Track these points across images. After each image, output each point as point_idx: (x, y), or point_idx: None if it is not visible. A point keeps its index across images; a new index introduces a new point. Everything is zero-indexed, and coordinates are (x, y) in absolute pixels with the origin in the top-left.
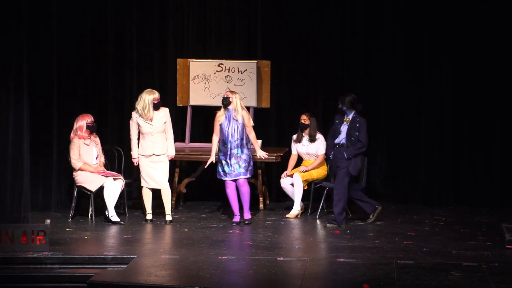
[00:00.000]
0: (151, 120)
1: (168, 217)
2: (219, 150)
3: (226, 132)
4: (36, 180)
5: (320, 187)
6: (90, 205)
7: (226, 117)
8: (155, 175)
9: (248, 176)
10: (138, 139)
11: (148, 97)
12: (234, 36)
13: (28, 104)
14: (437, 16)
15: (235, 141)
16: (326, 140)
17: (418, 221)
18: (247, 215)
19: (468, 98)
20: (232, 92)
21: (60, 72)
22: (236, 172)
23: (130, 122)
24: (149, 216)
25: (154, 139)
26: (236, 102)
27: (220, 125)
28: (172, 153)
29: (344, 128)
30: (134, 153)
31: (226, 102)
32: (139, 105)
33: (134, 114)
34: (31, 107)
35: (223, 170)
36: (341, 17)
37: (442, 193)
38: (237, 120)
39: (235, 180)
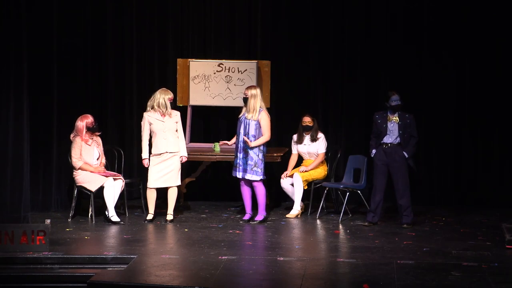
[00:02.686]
0: (163, 116)
1: (169, 216)
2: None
3: (238, 125)
4: (36, 180)
5: (320, 187)
6: (90, 205)
7: (244, 112)
8: (168, 173)
9: (253, 177)
10: (150, 140)
11: (164, 96)
12: (234, 36)
13: (28, 104)
14: (437, 11)
15: (242, 136)
16: (326, 139)
17: (418, 221)
18: (258, 217)
19: (469, 98)
20: (249, 88)
21: (60, 72)
22: (241, 167)
23: (142, 122)
24: (149, 217)
25: (166, 136)
26: (252, 102)
27: (238, 118)
28: (185, 153)
29: (393, 127)
30: (144, 153)
31: (244, 101)
32: (154, 102)
33: (145, 114)
34: (31, 107)
35: (233, 164)
36: (341, 17)
37: (442, 193)
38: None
39: (246, 180)
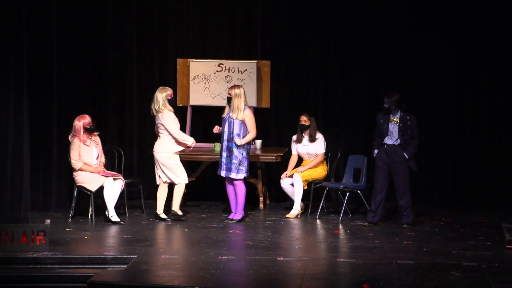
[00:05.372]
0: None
1: (174, 211)
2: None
3: (223, 124)
4: (36, 180)
5: (320, 187)
6: (90, 205)
7: (228, 111)
8: (181, 170)
9: (237, 176)
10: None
11: (161, 94)
12: (234, 36)
13: (28, 104)
14: (437, 10)
15: (227, 134)
16: (326, 139)
17: (418, 221)
18: (237, 216)
19: (469, 98)
20: (233, 88)
21: (60, 72)
22: (225, 166)
23: (172, 118)
24: (163, 216)
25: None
26: (236, 102)
27: (222, 117)
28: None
29: (394, 128)
30: (189, 140)
31: (228, 101)
32: (155, 105)
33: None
34: (31, 107)
35: (219, 162)
36: (341, 17)
37: (442, 193)
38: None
39: (230, 179)
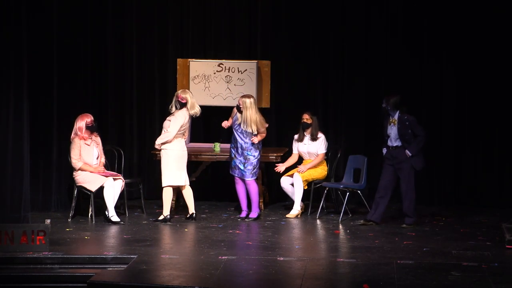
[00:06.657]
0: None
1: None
2: (231, 142)
3: (236, 133)
4: (36, 180)
5: (320, 187)
6: (90, 205)
7: (240, 121)
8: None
9: (252, 178)
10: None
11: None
12: (234, 36)
13: (28, 104)
14: (437, 11)
15: (240, 144)
16: (326, 139)
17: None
18: (253, 214)
19: (469, 98)
20: (244, 97)
21: (60, 72)
22: (239, 171)
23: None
24: (168, 217)
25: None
26: (247, 114)
27: (233, 121)
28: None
29: (393, 130)
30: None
31: (238, 109)
32: (194, 109)
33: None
34: (31, 107)
35: (231, 164)
36: (341, 17)
37: (442, 193)
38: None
39: (242, 179)
